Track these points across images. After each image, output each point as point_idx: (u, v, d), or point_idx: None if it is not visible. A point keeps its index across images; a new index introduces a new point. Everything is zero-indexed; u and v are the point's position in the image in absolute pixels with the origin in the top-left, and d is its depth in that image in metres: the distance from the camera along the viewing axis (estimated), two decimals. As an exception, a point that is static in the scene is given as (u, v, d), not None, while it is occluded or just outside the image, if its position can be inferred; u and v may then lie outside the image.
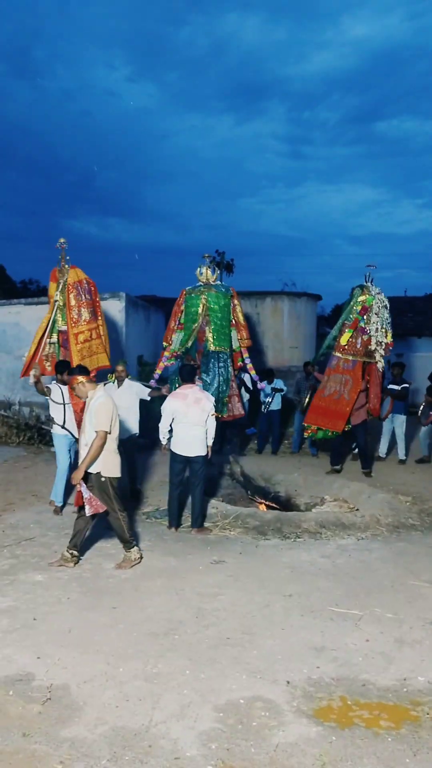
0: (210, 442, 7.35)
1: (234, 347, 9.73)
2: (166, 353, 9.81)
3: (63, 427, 7.72)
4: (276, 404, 12.58)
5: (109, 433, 5.82)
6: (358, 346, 9.84)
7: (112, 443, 5.90)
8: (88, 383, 6.06)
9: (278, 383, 12.65)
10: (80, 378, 6.05)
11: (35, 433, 12.23)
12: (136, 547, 6.09)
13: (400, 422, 11.71)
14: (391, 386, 11.62)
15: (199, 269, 9.52)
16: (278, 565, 6.17)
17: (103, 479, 5.82)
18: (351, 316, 9.86)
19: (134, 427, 8.47)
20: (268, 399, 12.46)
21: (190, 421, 7.17)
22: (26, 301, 14.45)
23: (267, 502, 8.94)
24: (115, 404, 6.09)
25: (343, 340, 9.86)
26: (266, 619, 4.94)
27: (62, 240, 8.72)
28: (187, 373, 7.52)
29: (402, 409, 11.75)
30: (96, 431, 5.75)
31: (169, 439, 7.44)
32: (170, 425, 7.34)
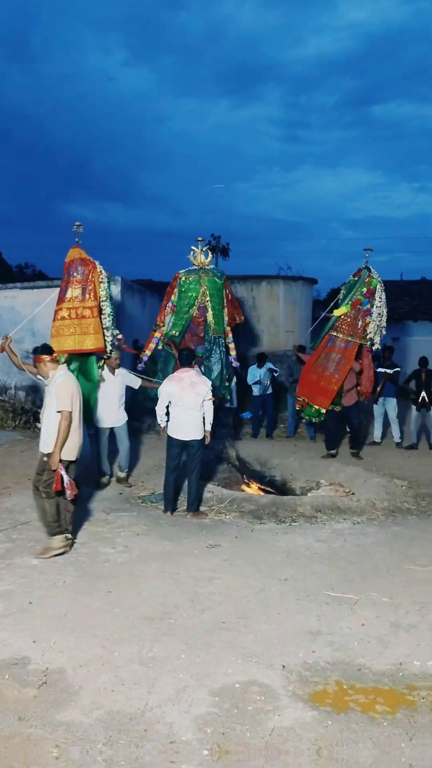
0: (208, 428, 7.34)
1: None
2: (156, 334, 9.69)
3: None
4: (270, 387, 12.62)
5: (71, 411, 5.70)
6: (358, 327, 9.87)
7: (73, 423, 5.76)
8: (50, 363, 5.93)
9: (270, 366, 12.70)
10: (43, 357, 5.93)
11: (31, 417, 12.19)
12: (61, 536, 5.85)
13: (392, 406, 11.74)
14: (381, 369, 11.63)
15: (192, 253, 9.42)
16: (274, 549, 6.17)
17: (45, 459, 5.77)
18: (355, 295, 9.87)
19: (122, 415, 8.49)
20: (266, 382, 12.47)
21: (185, 405, 7.15)
22: (22, 286, 14.35)
23: (259, 485, 8.96)
24: (78, 385, 5.98)
25: (338, 312, 9.90)
26: (262, 603, 4.94)
27: (78, 224, 8.35)
28: (185, 357, 7.52)
29: (393, 392, 11.78)
30: (59, 411, 5.64)
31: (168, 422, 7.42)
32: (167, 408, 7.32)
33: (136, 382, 8.64)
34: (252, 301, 17.95)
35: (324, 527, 6.89)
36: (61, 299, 8.10)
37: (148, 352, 9.80)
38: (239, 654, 4.13)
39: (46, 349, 6.05)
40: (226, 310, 9.50)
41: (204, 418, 7.29)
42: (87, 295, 8.05)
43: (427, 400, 11.36)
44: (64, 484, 5.64)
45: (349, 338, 9.88)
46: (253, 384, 12.58)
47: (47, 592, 5.00)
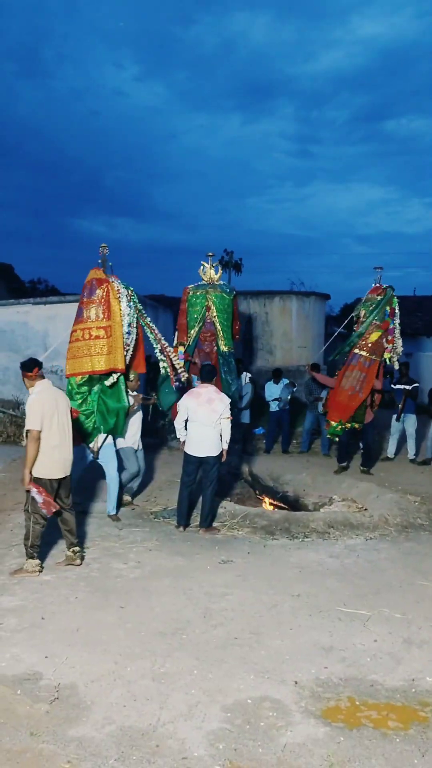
0: (225, 445, 7.30)
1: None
2: (180, 348, 9.42)
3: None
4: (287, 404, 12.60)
5: (41, 431, 5.61)
6: (384, 346, 9.93)
7: (47, 441, 5.67)
8: (28, 379, 5.89)
9: (285, 382, 12.68)
10: (24, 372, 5.90)
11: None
12: (35, 561, 5.75)
13: (411, 422, 11.70)
14: (399, 386, 11.61)
15: (202, 268, 9.32)
16: (286, 565, 6.16)
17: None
18: (381, 316, 9.89)
19: (136, 436, 8.23)
20: (287, 398, 12.44)
21: (200, 421, 7.13)
22: (34, 301, 14.46)
23: (271, 500, 8.95)
24: (59, 401, 5.90)
25: (373, 338, 9.89)
26: (274, 619, 4.93)
27: (104, 245, 8.10)
28: (207, 373, 7.49)
29: (412, 408, 11.75)
30: (27, 430, 5.60)
31: None
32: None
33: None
34: (265, 317, 17.99)
35: (337, 543, 6.87)
36: (76, 320, 7.85)
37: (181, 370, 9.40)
38: (251, 670, 4.13)
39: (25, 365, 5.95)
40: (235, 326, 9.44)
41: (221, 436, 7.24)
42: (101, 315, 7.69)
43: None
44: (38, 503, 5.62)
45: (373, 357, 9.90)
46: (272, 400, 12.52)
47: (59, 607, 5.02)
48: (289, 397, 12.48)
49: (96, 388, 7.57)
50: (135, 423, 8.18)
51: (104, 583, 5.56)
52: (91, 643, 4.43)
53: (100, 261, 8.04)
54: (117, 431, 7.69)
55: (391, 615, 5.05)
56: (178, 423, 7.37)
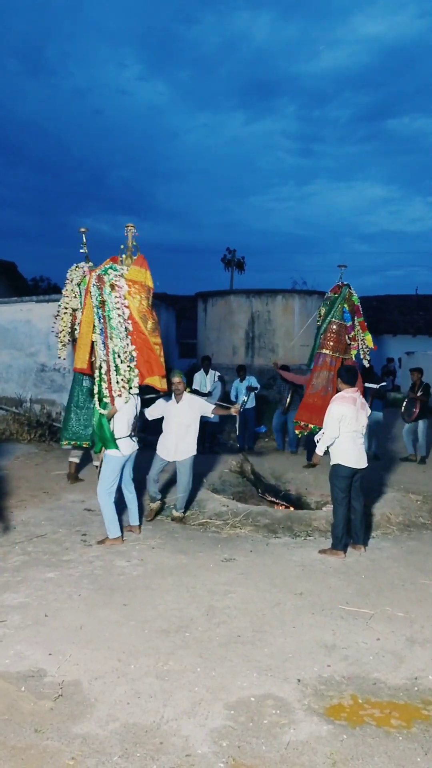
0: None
1: None
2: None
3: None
4: (251, 402, 12.59)
5: None
6: (343, 342, 10.04)
7: None
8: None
9: (252, 381, 12.66)
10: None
11: (46, 430, 12.25)
12: None
13: (375, 419, 11.73)
14: (368, 385, 11.64)
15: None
16: (289, 563, 6.17)
17: None
18: (339, 314, 10.00)
19: (192, 448, 7.55)
20: (244, 398, 12.30)
21: (357, 429, 6.55)
22: (37, 299, 14.46)
23: (274, 498, 8.96)
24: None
25: (332, 335, 9.98)
26: (277, 617, 4.94)
27: (130, 225, 7.16)
28: (352, 376, 6.93)
29: (380, 407, 11.85)
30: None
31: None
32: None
33: (207, 408, 7.61)
34: (267, 315, 18.01)
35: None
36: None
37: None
38: (255, 668, 4.14)
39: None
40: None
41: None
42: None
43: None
44: None
45: (336, 354, 10.03)
46: (234, 397, 12.48)
47: (63, 604, 5.03)
48: (246, 398, 12.23)
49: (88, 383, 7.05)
50: (169, 431, 7.52)
51: (107, 580, 5.57)
52: (94, 641, 4.45)
53: (122, 246, 7.15)
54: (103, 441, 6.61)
55: (393, 613, 5.06)
56: (334, 434, 6.53)
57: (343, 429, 6.47)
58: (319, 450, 6.68)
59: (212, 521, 7.50)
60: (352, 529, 6.69)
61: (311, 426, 10.00)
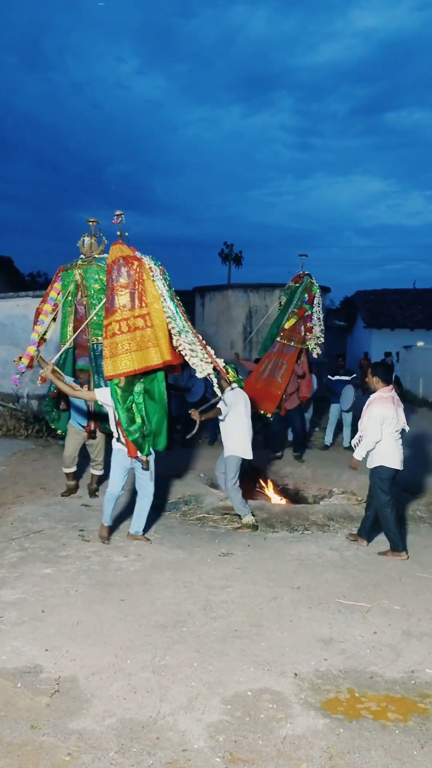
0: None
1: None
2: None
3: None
4: (196, 395, 12.11)
5: None
6: (301, 333, 10.17)
7: None
8: None
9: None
10: None
11: (43, 426, 12.22)
12: None
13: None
14: (337, 377, 11.65)
15: (81, 239, 7.71)
16: (286, 557, 6.17)
17: None
18: (299, 303, 10.16)
19: (247, 449, 7.25)
20: (202, 392, 11.96)
21: (398, 430, 6.32)
22: (34, 294, 14.42)
23: (274, 488, 8.96)
24: None
25: (288, 324, 10.31)
26: (274, 611, 4.94)
27: (119, 212, 6.61)
28: (387, 373, 6.52)
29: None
30: None
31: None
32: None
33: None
34: (265, 310, 18.00)
35: (336, 536, 6.88)
36: (108, 311, 6.42)
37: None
38: (251, 662, 4.14)
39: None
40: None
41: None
42: (137, 302, 6.36)
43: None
44: None
45: (291, 343, 10.19)
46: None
47: (60, 600, 5.02)
48: (203, 393, 11.80)
49: (138, 388, 6.40)
50: (236, 429, 7.27)
51: (104, 576, 5.57)
52: (91, 636, 4.44)
53: (119, 233, 6.67)
54: (161, 436, 6.55)
55: (390, 607, 5.06)
56: (375, 439, 6.26)
57: (386, 430, 6.22)
58: (358, 455, 6.42)
59: (210, 516, 7.49)
60: (362, 522, 6.68)
61: (261, 411, 10.13)
